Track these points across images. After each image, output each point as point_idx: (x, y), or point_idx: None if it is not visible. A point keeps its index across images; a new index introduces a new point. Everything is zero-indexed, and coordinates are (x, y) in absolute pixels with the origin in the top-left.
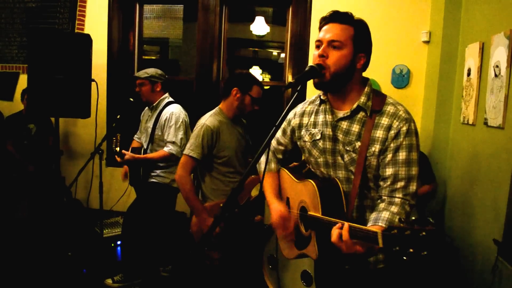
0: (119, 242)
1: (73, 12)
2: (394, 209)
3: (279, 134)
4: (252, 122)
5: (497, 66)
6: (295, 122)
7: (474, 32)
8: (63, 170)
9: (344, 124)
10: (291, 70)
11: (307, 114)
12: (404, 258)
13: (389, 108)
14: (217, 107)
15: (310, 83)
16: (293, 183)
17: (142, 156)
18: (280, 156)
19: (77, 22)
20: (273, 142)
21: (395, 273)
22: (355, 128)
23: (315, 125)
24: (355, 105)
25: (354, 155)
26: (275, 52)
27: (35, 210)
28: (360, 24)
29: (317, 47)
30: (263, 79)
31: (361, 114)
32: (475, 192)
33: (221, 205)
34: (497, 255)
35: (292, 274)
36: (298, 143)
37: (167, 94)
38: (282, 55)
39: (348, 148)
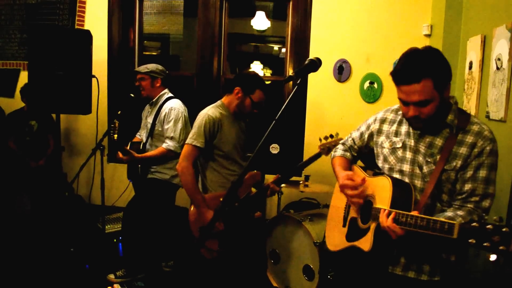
0: (121, 238)
1: (73, 8)
2: (460, 212)
3: (356, 134)
4: (253, 119)
5: (499, 59)
6: (374, 127)
7: (476, 25)
8: (64, 166)
9: (428, 137)
10: (292, 65)
11: (388, 122)
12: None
13: (474, 127)
14: (219, 100)
15: (310, 77)
16: (365, 178)
17: (141, 155)
18: (354, 153)
19: (77, 18)
20: (350, 140)
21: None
22: (439, 142)
23: (397, 134)
24: (443, 123)
25: (434, 167)
26: (276, 47)
27: (38, 206)
28: (436, 67)
29: (405, 104)
30: (264, 74)
31: (445, 130)
32: None
33: (221, 199)
34: None
35: (294, 269)
36: (374, 149)
37: (166, 90)
38: (283, 49)
39: (429, 160)
